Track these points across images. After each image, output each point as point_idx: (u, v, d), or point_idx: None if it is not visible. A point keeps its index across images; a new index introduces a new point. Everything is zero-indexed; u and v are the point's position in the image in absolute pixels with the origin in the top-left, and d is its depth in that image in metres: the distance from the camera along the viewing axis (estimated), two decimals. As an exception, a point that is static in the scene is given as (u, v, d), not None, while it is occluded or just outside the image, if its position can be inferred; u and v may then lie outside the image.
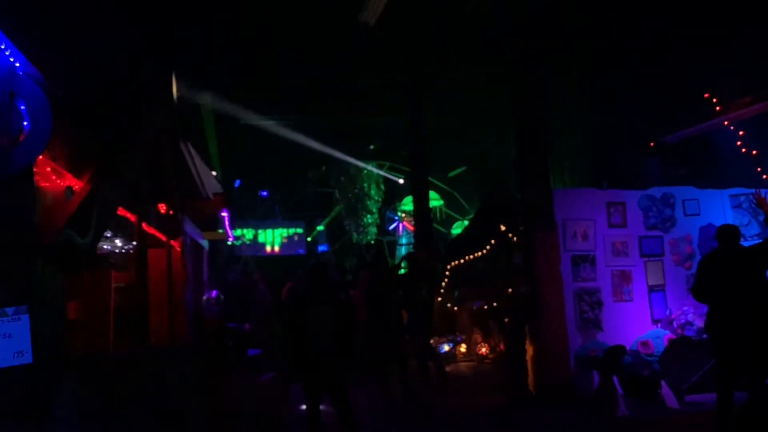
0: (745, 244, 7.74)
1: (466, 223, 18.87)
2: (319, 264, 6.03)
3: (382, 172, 21.35)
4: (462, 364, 10.81)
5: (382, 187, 21.82)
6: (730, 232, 5.69)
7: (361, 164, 20.77)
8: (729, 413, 5.37)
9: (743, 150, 9.83)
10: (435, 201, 19.41)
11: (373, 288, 8.35)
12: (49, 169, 4.67)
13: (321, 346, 5.34)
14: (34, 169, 4.24)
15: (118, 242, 7.56)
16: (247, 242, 22.29)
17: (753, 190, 8.31)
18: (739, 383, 5.59)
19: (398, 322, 8.40)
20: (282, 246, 23.15)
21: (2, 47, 3.85)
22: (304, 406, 5.52)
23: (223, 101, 14.07)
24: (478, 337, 11.20)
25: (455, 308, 11.77)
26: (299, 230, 23.36)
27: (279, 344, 10.94)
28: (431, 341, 9.57)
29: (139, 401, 5.78)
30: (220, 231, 14.12)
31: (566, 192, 9.00)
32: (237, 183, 20.26)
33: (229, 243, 18.51)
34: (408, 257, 10.28)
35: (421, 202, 14.11)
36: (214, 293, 6.86)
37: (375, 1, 9.22)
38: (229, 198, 11.30)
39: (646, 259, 7.99)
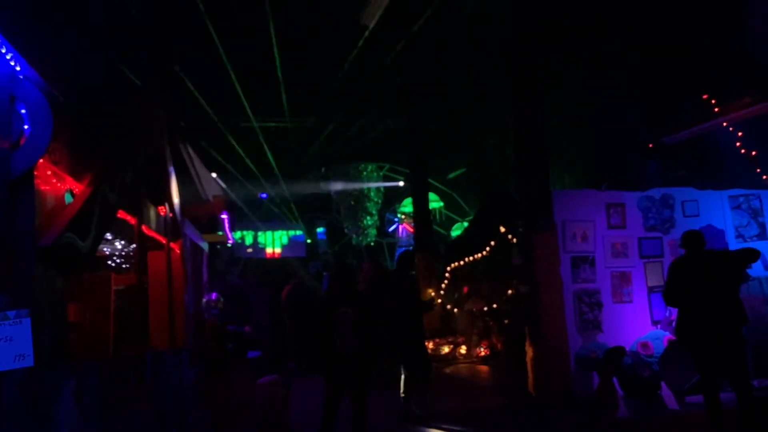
0: (745, 245, 7.79)
1: (465, 224, 18.87)
2: (344, 265, 6.08)
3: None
4: (462, 365, 10.81)
5: (382, 188, 21.81)
6: (695, 238, 5.76)
7: (363, 185, 20.77)
8: (719, 413, 5.40)
9: (742, 151, 9.85)
10: (435, 202, 19.39)
11: (391, 294, 7.47)
12: (49, 172, 4.67)
13: (343, 345, 5.49)
14: (35, 173, 4.24)
15: (119, 245, 7.56)
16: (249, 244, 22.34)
17: (752, 191, 8.39)
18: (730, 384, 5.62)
19: (417, 328, 7.46)
20: (282, 248, 23.14)
21: (3, 51, 3.86)
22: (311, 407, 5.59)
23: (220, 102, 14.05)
24: (478, 339, 11.20)
25: (455, 309, 11.78)
26: (299, 232, 23.34)
27: (282, 346, 10.95)
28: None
29: (140, 403, 5.79)
30: (220, 233, 14.13)
31: (566, 193, 9.00)
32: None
33: (228, 244, 18.53)
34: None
35: (420, 203, 14.10)
36: (213, 295, 6.87)
37: (374, 3, 9.21)
38: (229, 201, 11.33)
39: (646, 260, 8.00)
